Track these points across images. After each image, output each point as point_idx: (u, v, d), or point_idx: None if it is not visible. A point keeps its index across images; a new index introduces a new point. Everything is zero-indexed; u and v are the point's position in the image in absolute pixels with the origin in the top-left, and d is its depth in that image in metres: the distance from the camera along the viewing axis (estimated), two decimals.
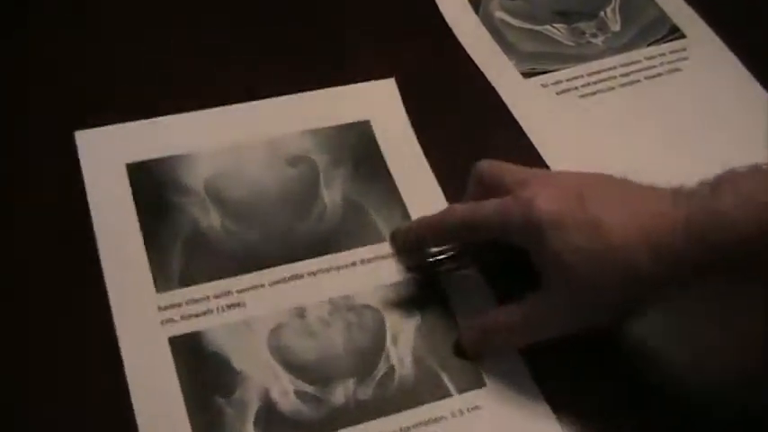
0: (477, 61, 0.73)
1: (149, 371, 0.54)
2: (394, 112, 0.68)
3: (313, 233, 0.61)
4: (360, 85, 0.69)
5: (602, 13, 0.79)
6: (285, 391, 0.54)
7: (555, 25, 0.77)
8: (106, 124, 0.63)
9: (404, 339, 0.57)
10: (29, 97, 0.65)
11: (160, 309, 0.56)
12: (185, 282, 0.57)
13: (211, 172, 0.62)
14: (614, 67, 0.75)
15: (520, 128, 0.69)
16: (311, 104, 0.67)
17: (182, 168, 0.62)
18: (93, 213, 0.59)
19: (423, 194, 0.64)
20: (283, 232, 0.60)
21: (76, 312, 0.56)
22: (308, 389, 0.55)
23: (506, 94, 0.71)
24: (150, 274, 0.57)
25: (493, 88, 0.71)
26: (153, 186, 0.61)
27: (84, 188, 0.60)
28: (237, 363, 0.55)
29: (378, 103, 0.68)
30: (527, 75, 0.73)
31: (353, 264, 0.60)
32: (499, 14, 0.77)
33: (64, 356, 0.54)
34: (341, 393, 0.55)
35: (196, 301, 0.57)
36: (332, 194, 0.63)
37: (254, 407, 0.54)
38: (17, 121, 0.63)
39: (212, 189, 0.62)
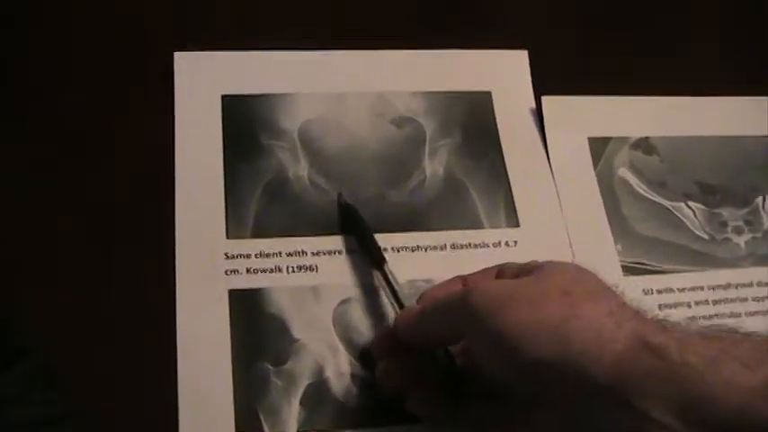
0: (570, 234, 0.57)
1: (202, 321, 0.50)
2: (520, 88, 0.61)
3: (406, 204, 0.56)
4: (487, 51, 0.62)
5: (758, 200, 0.60)
6: (341, 372, 0.50)
7: (690, 204, 0.59)
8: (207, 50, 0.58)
9: None
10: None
11: (227, 257, 0.52)
12: (258, 232, 0.53)
13: (309, 117, 0.57)
14: (750, 284, 0.56)
15: None
16: (429, 64, 0.61)
17: (279, 108, 0.57)
18: (177, 140, 0.55)
19: (534, 185, 0.58)
20: (373, 198, 0.55)
21: (139, 240, 0.52)
22: (367, 374, 0.50)
23: None
24: (224, 217, 0.53)
25: None
26: (245, 123, 0.56)
27: (173, 113, 0.56)
28: (296, 331, 0.50)
29: (504, 75, 0.61)
30: (630, 270, 0.55)
31: (443, 247, 0.54)
32: (623, 172, 0.59)
33: (118, 285, 0.51)
34: None
35: (266, 255, 0.52)
36: (434, 165, 0.57)
37: (303, 382, 0.49)
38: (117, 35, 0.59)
39: (306, 136, 0.57)
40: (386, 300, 0.51)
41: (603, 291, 0.41)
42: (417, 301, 0.49)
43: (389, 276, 0.50)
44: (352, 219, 0.53)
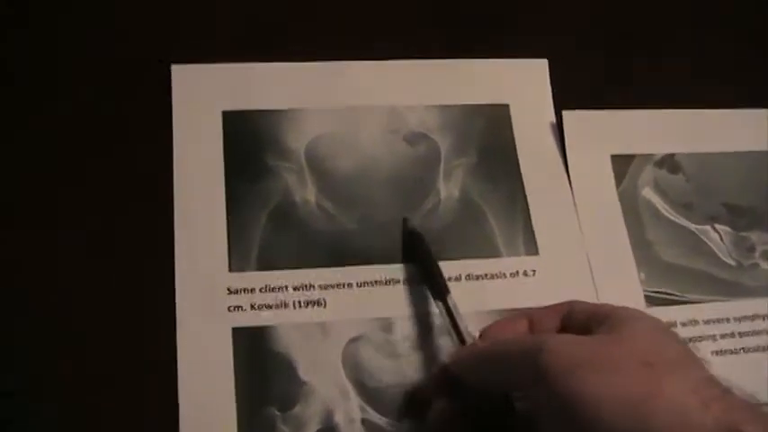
0: (591, 262, 0.53)
1: (204, 362, 0.47)
2: (540, 100, 0.57)
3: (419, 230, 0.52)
4: (505, 60, 0.58)
5: None
6: (351, 418, 0.47)
7: (717, 227, 0.56)
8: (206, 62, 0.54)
9: None
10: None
11: (230, 292, 0.49)
12: (263, 264, 0.50)
13: (317, 134, 0.54)
14: None
15: None
16: (444, 74, 0.57)
17: (284, 125, 0.54)
18: (175, 161, 0.52)
19: (553, 209, 0.54)
20: (385, 224, 0.52)
21: (134, 272, 0.49)
22: (378, 420, 0.47)
23: None
24: (226, 248, 0.50)
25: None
26: (248, 142, 0.53)
27: (171, 130, 0.52)
28: (304, 372, 0.47)
29: (522, 87, 0.58)
30: (653, 300, 0.53)
31: (458, 278, 0.51)
32: (647, 193, 0.56)
33: (113, 323, 0.47)
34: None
35: (272, 289, 0.49)
36: (450, 188, 0.54)
37: (312, 429, 0.46)
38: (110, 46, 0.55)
39: (314, 155, 0.53)
40: (399, 338, 0.49)
41: (687, 360, 0.38)
42: (479, 338, 0.46)
43: (453, 309, 0.46)
44: (416, 245, 0.50)
